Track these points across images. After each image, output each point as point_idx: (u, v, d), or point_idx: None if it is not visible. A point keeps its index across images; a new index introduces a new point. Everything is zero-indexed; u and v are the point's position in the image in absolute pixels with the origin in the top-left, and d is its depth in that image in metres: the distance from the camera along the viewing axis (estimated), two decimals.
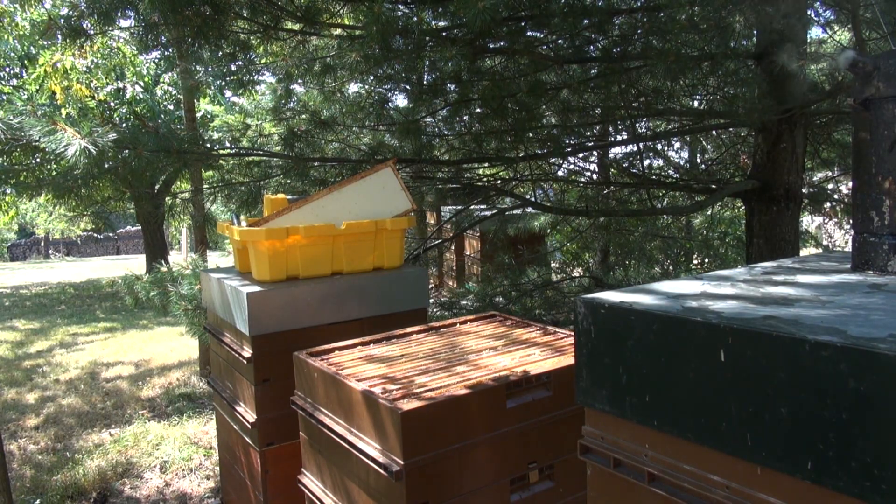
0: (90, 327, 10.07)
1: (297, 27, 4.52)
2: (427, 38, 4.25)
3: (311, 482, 2.44)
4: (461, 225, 6.77)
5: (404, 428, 1.84)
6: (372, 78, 5.13)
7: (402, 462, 1.86)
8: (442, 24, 4.72)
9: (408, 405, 1.88)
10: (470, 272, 10.10)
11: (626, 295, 1.30)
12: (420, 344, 2.56)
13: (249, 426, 2.90)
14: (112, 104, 12.69)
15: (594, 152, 6.57)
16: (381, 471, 1.90)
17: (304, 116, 5.25)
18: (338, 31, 4.67)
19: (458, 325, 2.85)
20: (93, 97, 12.02)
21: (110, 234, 30.38)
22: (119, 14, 4.22)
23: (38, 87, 11.60)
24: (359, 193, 3.26)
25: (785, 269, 1.54)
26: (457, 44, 4.12)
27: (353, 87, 5.79)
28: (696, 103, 5.56)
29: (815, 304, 1.15)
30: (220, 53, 4.68)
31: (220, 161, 4.99)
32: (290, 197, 3.33)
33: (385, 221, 3.20)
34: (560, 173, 6.40)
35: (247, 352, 2.88)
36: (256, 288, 2.88)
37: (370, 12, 3.48)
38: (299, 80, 5.55)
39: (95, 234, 29.43)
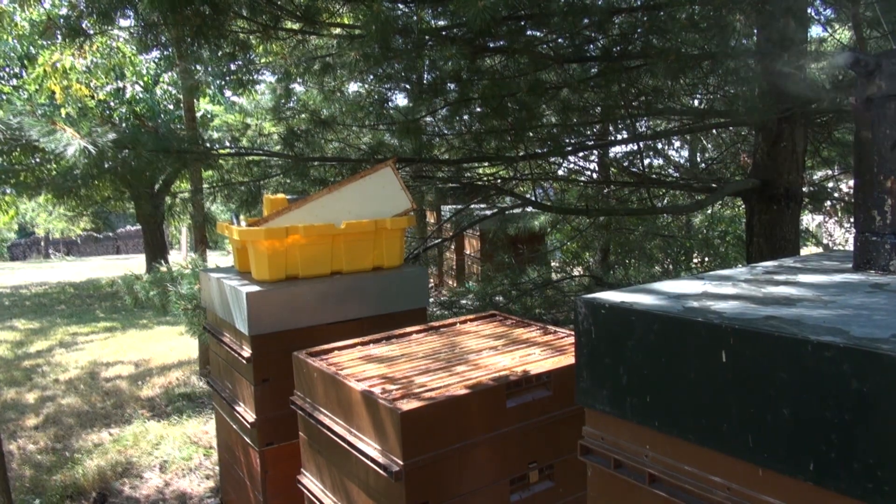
0: (90, 327, 10.06)
1: (296, 27, 4.51)
2: (427, 38, 4.24)
3: (310, 482, 2.43)
4: (461, 224, 6.76)
5: (404, 428, 1.83)
6: (372, 77, 5.13)
7: (401, 462, 1.85)
8: (442, 23, 4.72)
9: (407, 405, 1.87)
10: (470, 271, 10.09)
11: (626, 295, 1.29)
12: (420, 344, 2.55)
13: (249, 426, 2.89)
14: (112, 104, 12.67)
15: (594, 151, 6.57)
16: (381, 471, 1.90)
17: (303, 116, 5.24)
18: (337, 31, 4.66)
19: (457, 324, 2.85)
20: (92, 97, 12.00)
21: (110, 234, 30.36)
22: (118, 14, 4.21)
23: (37, 87, 11.59)
24: (358, 193, 3.25)
25: (786, 268, 1.54)
26: (456, 43, 4.12)
27: (353, 87, 5.78)
28: (696, 102, 5.55)
29: (818, 305, 1.14)
30: (220, 53, 4.67)
31: (220, 161, 4.98)
32: (289, 196, 3.33)
33: (385, 221, 3.19)
34: (560, 172, 6.39)
35: (246, 351, 2.87)
36: (256, 287, 2.87)
37: (370, 11, 3.48)
38: (299, 80, 5.55)
39: (95, 234, 29.41)
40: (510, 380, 2.07)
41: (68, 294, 13.91)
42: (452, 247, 10.38)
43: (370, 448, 1.97)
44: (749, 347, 1.00)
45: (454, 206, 7.90)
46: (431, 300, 5.84)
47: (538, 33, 4.47)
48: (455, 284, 9.88)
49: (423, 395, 1.95)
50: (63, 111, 10.91)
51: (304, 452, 2.49)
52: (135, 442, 5.03)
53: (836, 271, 1.45)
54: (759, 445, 1.01)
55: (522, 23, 4.20)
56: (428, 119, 5.21)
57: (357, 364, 2.31)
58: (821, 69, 4.55)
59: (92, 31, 4.30)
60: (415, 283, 3.27)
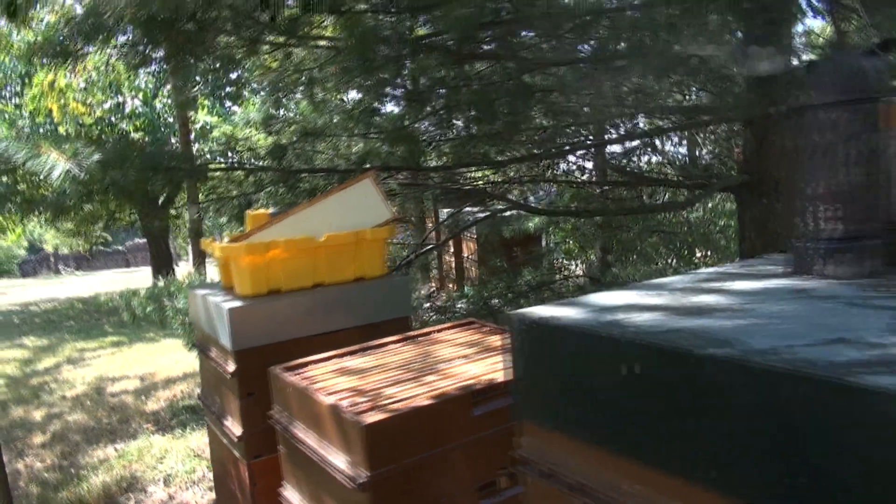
0: (97, 342, 10.15)
1: (280, 40, 4.56)
2: (411, 47, 4.27)
3: (291, 495, 2.47)
4: (454, 229, 6.80)
5: (369, 440, 1.87)
6: (357, 88, 5.17)
7: (368, 473, 1.89)
8: (426, 31, 4.75)
9: (372, 418, 1.91)
10: (468, 275, 10.10)
11: (555, 308, 1.32)
12: (395, 354, 2.59)
13: (236, 439, 2.94)
14: (113, 119, 12.77)
15: (586, 151, 6.59)
16: (350, 483, 1.94)
17: (293, 128, 5.29)
18: (323, 42, 4.70)
19: (433, 333, 2.88)
20: (90, 114, 12.09)
21: (119, 248, 30.57)
22: (108, 33, 4.26)
23: (35, 106, 11.69)
24: (339, 205, 3.29)
25: (723, 274, 1.56)
26: (439, 51, 4.15)
27: (343, 96, 5.83)
28: (685, 98, 5.56)
29: (732, 314, 1.17)
30: (212, 67, 4.73)
31: (214, 175, 5.04)
32: (271, 211, 3.37)
33: (365, 232, 3.22)
34: (554, 173, 6.41)
35: (231, 366, 2.91)
36: (238, 303, 2.91)
37: (348, 24, 3.52)
38: (288, 91, 5.59)
39: (104, 248, 29.62)
40: (476, 388, 2.11)
41: (77, 309, 14.03)
42: (451, 251, 10.38)
43: (339, 460, 2.01)
44: (648, 361, 1.03)
45: (448, 211, 7.92)
46: (428, 305, 5.88)
47: (525, 33, 4.50)
48: (454, 288, 9.90)
49: (388, 407, 1.99)
50: (61, 129, 11.02)
51: (283, 466, 2.54)
52: (139, 456, 5.10)
53: (771, 277, 1.47)
54: (671, 456, 1.04)
55: (506, 28, 4.23)
56: (417, 126, 5.24)
57: (329, 377, 2.35)
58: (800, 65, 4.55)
59: (90, 48, 4.35)
60: (397, 292, 3.30)
